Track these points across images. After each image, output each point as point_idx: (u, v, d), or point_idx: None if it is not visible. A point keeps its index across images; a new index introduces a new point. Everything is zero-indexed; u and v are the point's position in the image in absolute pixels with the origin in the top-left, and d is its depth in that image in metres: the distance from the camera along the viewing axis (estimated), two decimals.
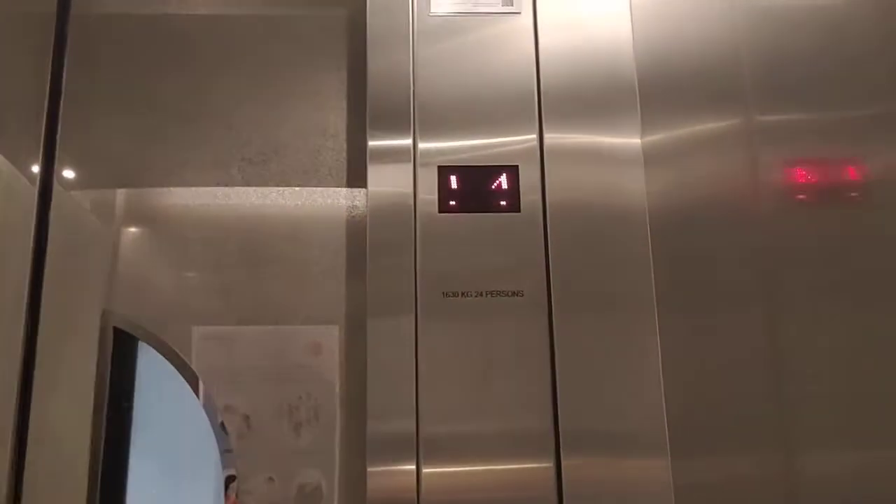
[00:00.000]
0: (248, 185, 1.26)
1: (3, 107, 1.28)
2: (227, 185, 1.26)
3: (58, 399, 1.18)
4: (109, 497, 1.16)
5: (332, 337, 1.23)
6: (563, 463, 1.05)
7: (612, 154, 1.16)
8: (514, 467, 1.06)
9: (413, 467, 1.04)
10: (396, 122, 1.15)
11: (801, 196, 1.20)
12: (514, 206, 1.12)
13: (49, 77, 1.27)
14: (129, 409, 1.21)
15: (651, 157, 1.16)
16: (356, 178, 1.26)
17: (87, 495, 1.15)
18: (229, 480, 1.17)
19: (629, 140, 1.17)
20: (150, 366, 1.23)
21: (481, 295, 1.10)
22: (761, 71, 1.24)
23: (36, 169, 1.24)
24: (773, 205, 1.19)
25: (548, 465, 1.05)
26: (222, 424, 1.18)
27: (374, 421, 1.06)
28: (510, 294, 1.10)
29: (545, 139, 1.16)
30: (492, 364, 1.08)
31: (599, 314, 1.10)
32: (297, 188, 1.27)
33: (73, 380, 1.19)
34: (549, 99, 1.17)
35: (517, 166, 1.13)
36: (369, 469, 1.05)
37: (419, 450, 1.05)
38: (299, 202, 1.27)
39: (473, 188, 1.13)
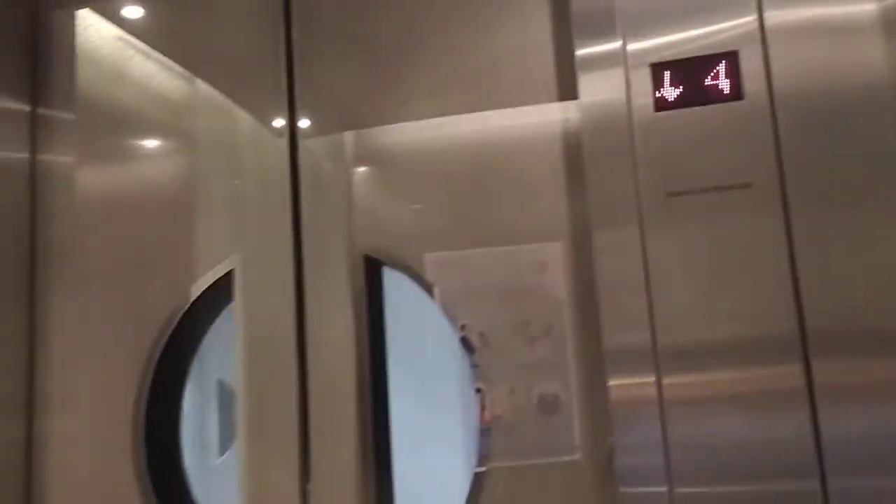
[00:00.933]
0: (466, 111, 1.31)
1: (248, 71, 1.43)
2: (444, 115, 1.32)
3: (325, 322, 1.33)
4: (376, 405, 1.30)
5: (556, 254, 1.25)
6: (813, 365, 0.99)
7: (845, 25, 1.03)
8: (759, 373, 1.01)
9: (653, 378, 1.04)
10: (602, 25, 1.12)
11: None
12: (737, 95, 1.05)
13: (283, 36, 1.39)
14: (384, 326, 1.33)
15: (893, 22, 1.02)
16: (567, 90, 1.25)
17: (357, 404, 1.29)
18: (476, 393, 1.25)
19: (863, 6, 1.03)
20: (396, 290, 1.34)
21: (706, 191, 1.05)
22: None
23: (277, 123, 1.39)
24: None
25: (796, 367, 0.99)
26: (464, 339, 1.26)
27: (610, 334, 1.07)
28: (738, 187, 1.04)
29: (766, 18, 1.06)
30: (725, 264, 1.03)
31: (841, 202, 1.01)
32: (510, 109, 1.29)
33: (334, 305, 1.33)
34: None
35: (736, 51, 1.06)
36: (610, 382, 1.06)
37: (657, 361, 1.04)
38: (514, 122, 1.29)
39: (690, 81, 1.07)
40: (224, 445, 1.43)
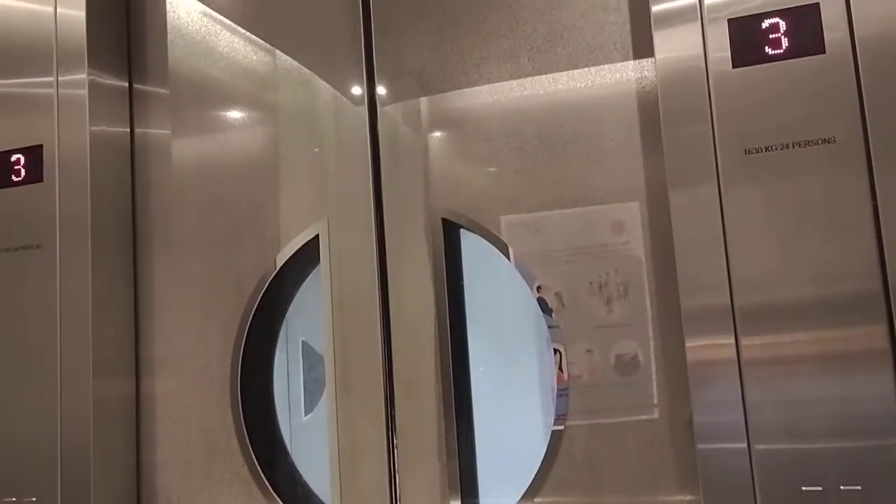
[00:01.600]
0: (539, 73, 1.31)
1: (327, 43, 1.47)
2: (519, 77, 1.32)
3: (406, 284, 1.37)
4: (456, 364, 1.34)
5: (633, 214, 1.25)
6: None
7: None
8: (841, 333, 1.00)
9: (732, 340, 1.04)
10: None
11: None
12: (818, 48, 1.02)
13: (360, 7, 1.42)
14: (462, 287, 1.37)
15: None
16: (642, 48, 1.23)
17: (438, 363, 1.33)
18: (554, 353, 1.27)
19: None
20: (473, 251, 1.36)
21: (787, 147, 1.03)
22: None
23: (355, 91, 1.42)
24: None
25: (879, 328, 0.97)
26: (541, 301, 1.28)
27: (687, 295, 1.07)
28: (820, 142, 1.01)
29: None
30: (805, 222, 1.01)
31: None
32: (585, 69, 1.28)
33: (414, 267, 1.37)
34: None
35: (818, 3, 1.02)
36: (688, 344, 1.06)
37: (736, 321, 1.03)
38: (589, 82, 1.28)
39: (769, 36, 1.04)
40: (310, 404, 1.50)
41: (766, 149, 1.04)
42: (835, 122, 1.01)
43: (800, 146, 1.02)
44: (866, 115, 1.00)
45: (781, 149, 1.03)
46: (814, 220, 1.02)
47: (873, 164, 0.99)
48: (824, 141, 1.01)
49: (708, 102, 1.07)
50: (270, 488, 1.39)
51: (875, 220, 0.99)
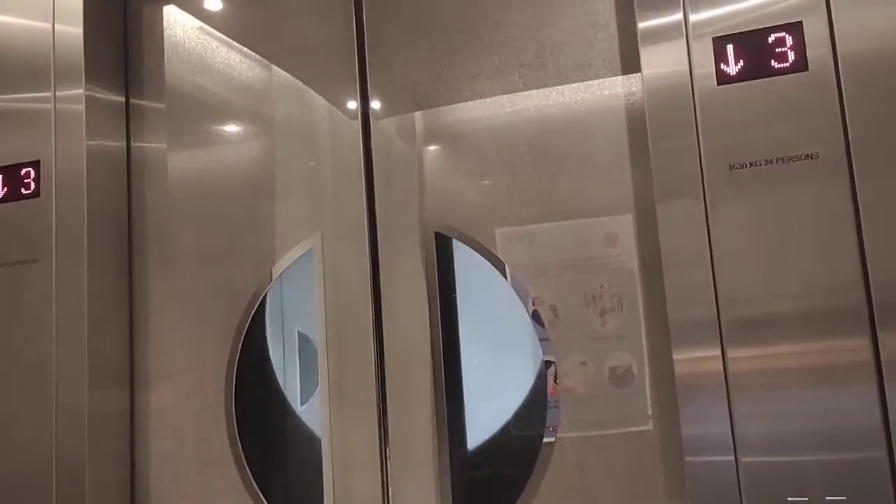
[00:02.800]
0: (530, 88, 1.33)
1: (322, 58, 1.48)
2: (510, 93, 1.34)
3: (400, 296, 1.38)
4: (449, 374, 1.35)
5: (626, 226, 1.26)
6: (881, 338, 0.98)
7: None
8: (825, 346, 1.01)
9: (718, 352, 1.05)
10: None
11: None
12: (801, 66, 1.04)
13: (354, 23, 1.44)
14: (455, 300, 1.38)
15: None
16: (630, 64, 1.25)
17: (432, 373, 1.35)
18: (547, 365, 1.28)
19: None
20: (467, 265, 1.37)
21: (771, 163, 1.04)
22: None
23: (350, 105, 1.44)
24: None
25: (863, 340, 0.99)
26: (534, 313, 1.29)
27: (674, 308, 1.08)
28: (803, 158, 1.03)
29: None
30: (790, 236, 1.03)
31: None
32: (574, 84, 1.30)
33: (408, 280, 1.38)
34: None
35: (800, 22, 1.04)
36: (675, 357, 1.07)
37: (722, 334, 1.05)
38: (578, 97, 1.30)
39: (753, 54, 1.06)
40: (305, 394, 1.49)
41: (751, 164, 1.05)
42: (818, 139, 1.03)
43: (783, 162, 1.04)
44: (849, 131, 1.01)
45: (766, 164, 1.05)
46: (798, 235, 1.03)
47: (856, 179, 1.01)
48: (808, 157, 1.03)
49: (693, 118, 1.09)
50: (265, 501, 1.39)
51: (858, 234, 1.00)
